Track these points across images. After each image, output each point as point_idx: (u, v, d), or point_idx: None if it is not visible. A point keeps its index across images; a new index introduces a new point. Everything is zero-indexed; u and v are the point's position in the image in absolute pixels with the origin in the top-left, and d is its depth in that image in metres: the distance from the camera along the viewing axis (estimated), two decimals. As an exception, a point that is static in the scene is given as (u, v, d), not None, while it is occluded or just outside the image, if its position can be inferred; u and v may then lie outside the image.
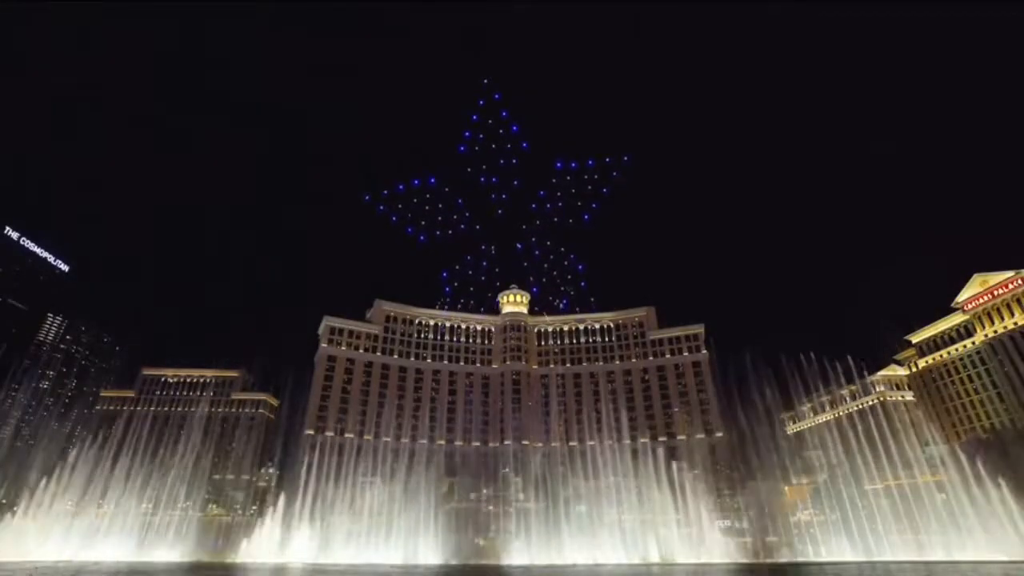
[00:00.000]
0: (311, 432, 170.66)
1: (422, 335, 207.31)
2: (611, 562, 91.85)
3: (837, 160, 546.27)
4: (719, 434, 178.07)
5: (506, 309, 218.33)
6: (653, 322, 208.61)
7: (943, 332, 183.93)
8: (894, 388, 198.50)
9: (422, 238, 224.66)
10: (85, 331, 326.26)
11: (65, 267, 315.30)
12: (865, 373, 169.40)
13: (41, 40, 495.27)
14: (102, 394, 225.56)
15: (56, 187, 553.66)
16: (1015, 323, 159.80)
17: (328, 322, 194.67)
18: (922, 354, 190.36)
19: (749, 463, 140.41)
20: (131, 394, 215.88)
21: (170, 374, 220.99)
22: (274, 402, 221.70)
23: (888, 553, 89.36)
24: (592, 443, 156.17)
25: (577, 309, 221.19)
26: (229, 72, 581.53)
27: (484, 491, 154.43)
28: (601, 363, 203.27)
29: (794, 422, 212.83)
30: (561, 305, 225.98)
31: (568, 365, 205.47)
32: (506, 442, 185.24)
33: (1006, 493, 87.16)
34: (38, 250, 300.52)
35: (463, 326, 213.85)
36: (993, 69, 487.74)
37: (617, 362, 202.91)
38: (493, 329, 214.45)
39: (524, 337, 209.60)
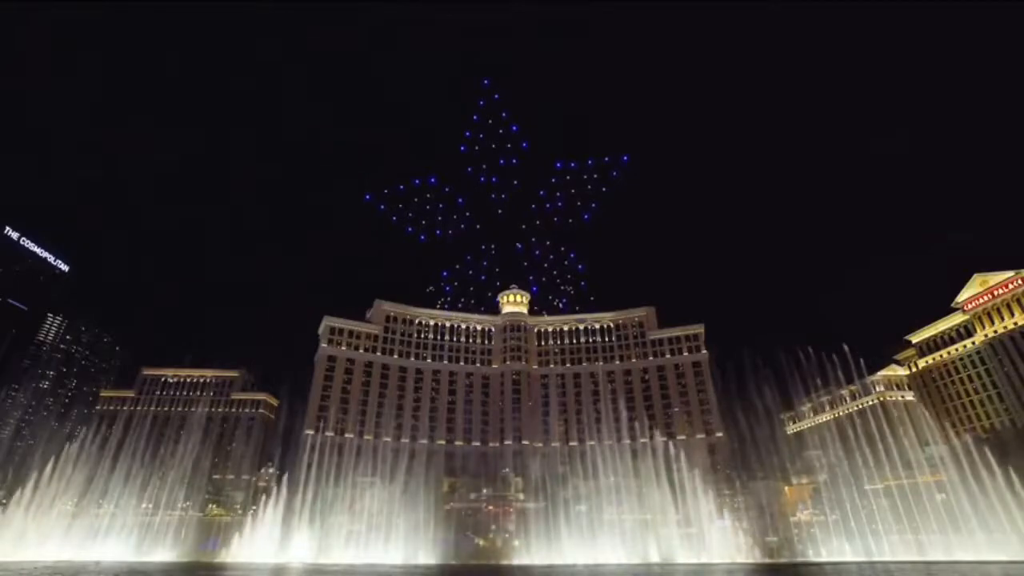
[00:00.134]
0: (311, 432, 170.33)
1: (422, 335, 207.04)
2: (611, 562, 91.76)
3: (838, 160, 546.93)
4: (719, 434, 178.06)
5: (506, 309, 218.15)
6: (653, 322, 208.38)
7: (943, 332, 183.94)
8: (894, 388, 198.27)
9: (422, 238, 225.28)
10: (85, 331, 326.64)
11: (65, 267, 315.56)
12: (865, 373, 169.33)
13: (41, 40, 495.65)
14: (102, 394, 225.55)
15: (56, 187, 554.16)
16: (1015, 323, 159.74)
17: (328, 322, 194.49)
18: (922, 354, 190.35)
19: (749, 463, 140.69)
20: (131, 394, 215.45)
21: (170, 374, 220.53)
22: (274, 402, 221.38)
23: (888, 553, 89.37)
24: (592, 443, 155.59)
25: (577, 309, 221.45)
26: (229, 71, 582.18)
27: (484, 491, 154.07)
28: (601, 363, 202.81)
29: (794, 422, 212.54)
30: (561, 305, 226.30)
31: (568, 365, 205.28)
32: (506, 442, 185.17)
33: (1006, 493, 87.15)
34: (38, 250, 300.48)
35: (463, 326, 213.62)
36: (993, 68, 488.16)
37: (617, 362, 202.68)
38: (493, 329, 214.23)
39: (524, 337, 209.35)
